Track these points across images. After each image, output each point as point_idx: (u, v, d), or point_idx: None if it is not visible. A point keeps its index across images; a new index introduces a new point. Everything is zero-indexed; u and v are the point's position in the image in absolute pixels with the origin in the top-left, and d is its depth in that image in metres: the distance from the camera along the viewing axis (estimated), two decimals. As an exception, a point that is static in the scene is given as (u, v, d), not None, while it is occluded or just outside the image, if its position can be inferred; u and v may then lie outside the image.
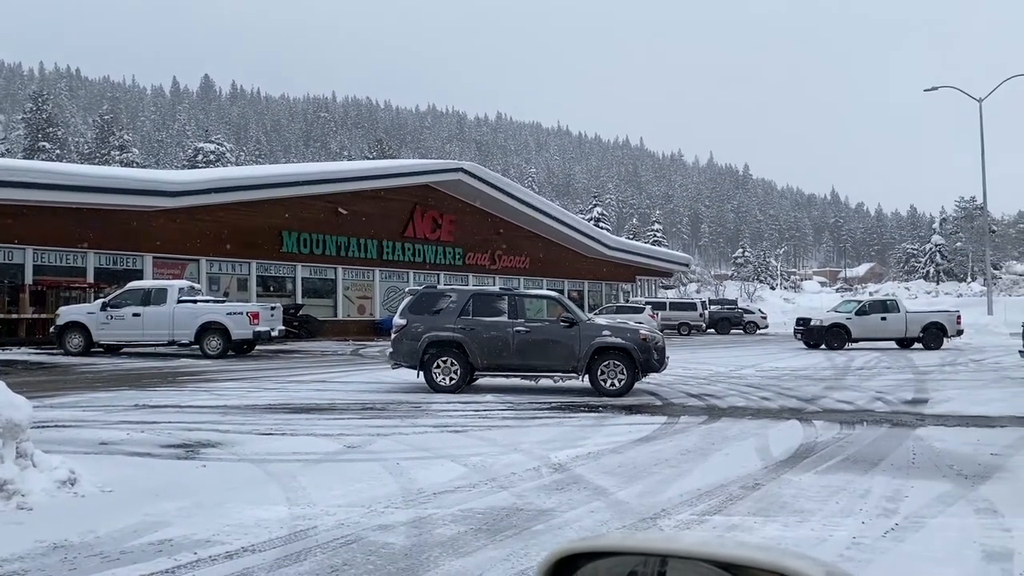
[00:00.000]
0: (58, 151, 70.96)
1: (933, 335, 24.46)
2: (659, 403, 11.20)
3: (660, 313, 34.47)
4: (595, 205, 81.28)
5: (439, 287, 14.76)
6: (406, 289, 16.26)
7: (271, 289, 28.91)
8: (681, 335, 35.54)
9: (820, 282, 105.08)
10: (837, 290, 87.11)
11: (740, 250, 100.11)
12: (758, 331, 39.70)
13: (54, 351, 19.60)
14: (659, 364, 12.08)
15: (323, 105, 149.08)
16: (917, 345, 24.61)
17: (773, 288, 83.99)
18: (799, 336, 25.58)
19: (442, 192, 34.58)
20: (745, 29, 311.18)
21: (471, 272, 35.77)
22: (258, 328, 19.23)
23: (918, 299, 56.70)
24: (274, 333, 20.07)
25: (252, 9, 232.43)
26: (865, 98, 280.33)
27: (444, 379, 12.09)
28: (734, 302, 48.16)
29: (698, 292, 68.01)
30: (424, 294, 12.90)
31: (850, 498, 5.70)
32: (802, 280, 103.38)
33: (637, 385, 12.19)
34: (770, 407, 10.77)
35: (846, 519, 5.14)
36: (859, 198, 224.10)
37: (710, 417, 9.77)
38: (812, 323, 25.18)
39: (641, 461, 7.01)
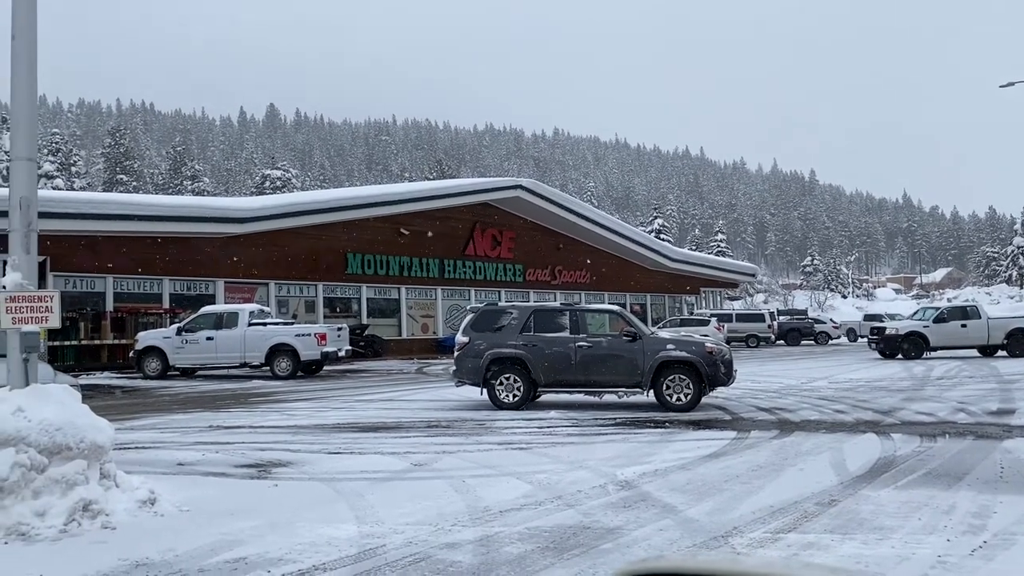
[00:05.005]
0: (135, 183, 74.07)
1: (1019, 342, 23.35)
2: (728, 418, 10.97)
3: (727, 325, 33.84)
4: (656, 217, 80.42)
5: (500, 304, 14.81)
6: (468, 307, 16.35)
7: (337, 310, 29.47)
8: (749, 347, 34.82)
9: (894, 289, 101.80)
10: (913, 297, 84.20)
11: (808, 258, 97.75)
12: (830, 342, 38.61)
13: (133, 375, 20.35)
14: (727, 378, 11.82)
15: (384, 129, 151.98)
16: (1001, 353, 23.57)
17: (845, 296, 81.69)
18: (874, 346, 24.76)
19: (501, 209, 34.78)
20: (804, 31, 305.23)
21: (532, 288, 35.80)
22: (326, 349, 19.61)
23: (1001, 304, 54.29)
24: (341, 353, 20.44)
25: (312, 39, 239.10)
26: (935, 97, 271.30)
27: (507, 396, 12.10)
28: (804, 312, 46.99)
29: (766, 303, 66.60)
30: (485, 311, 12.95)
31: (933, 514, 5.48)
32: (875, 287, 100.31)
33: (704, 400, 11.96)
34: (845, 420, 10.45)
35: (930, 536, 4.94)
36: (933, 201, 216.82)
37: (782, 431, 9.53)
38: (887, 332, 24.36)
39: (710, 478, 6.87)
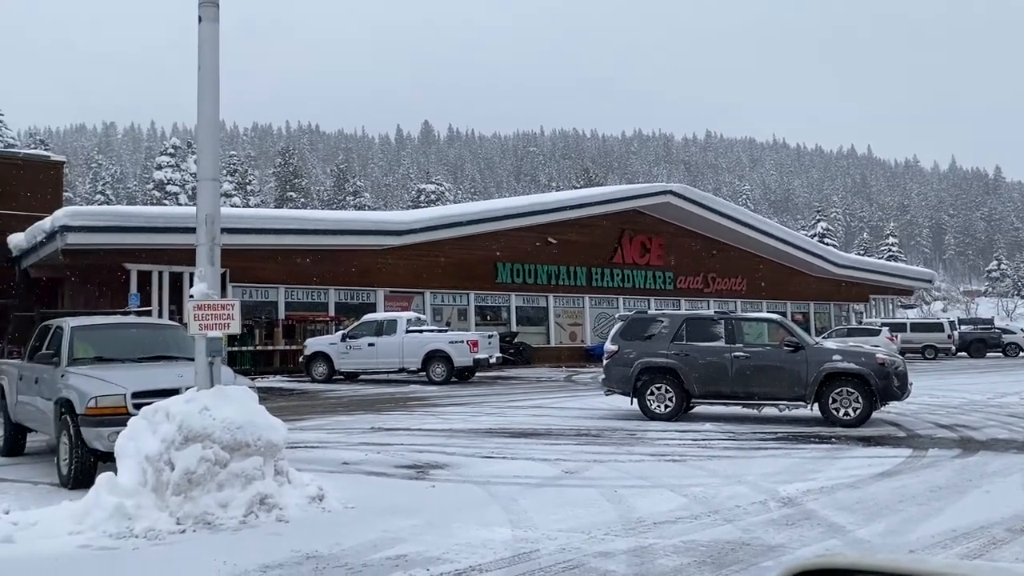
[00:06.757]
0: (302, 199, 79.28)
1: None
2: (902, 434, 10.25)
3: (900, 335, 31.59)
4: (818, 220, 76.38)
5: (650, 312, 14.56)
6: (616, 315, 16.18)
7: (488, 318, 30.10)
8: (926, 359, 32.30)
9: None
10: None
11: (994, 263, 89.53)
12: (1021, 353, 35.10)
13: (302, 379, 21.71)
14: (900, 391, 11.05)
15: (532, 140, 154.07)
16: None
17: (1037, 304, 73.97)
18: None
19: (650, 216, 34.26)
20: (978, 14, 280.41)
21: (683, 296, 34.95)
22: (477, 355, 20.08)
23: None
24: (492, 360, 20.86)
25: (462, 56, 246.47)
26: None
27: (659, 406, 11.87)
28: (990, 321, 43.05)
29: (944, 311, 61.59)
30: (635, 319, 12.78)
31: None
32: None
33: (875, 415, 11.22)
34: (1039, 440, 9.46)
35: None
36: None
37: (965, 451, 8.77)
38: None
39: (883, 497, 6.44)
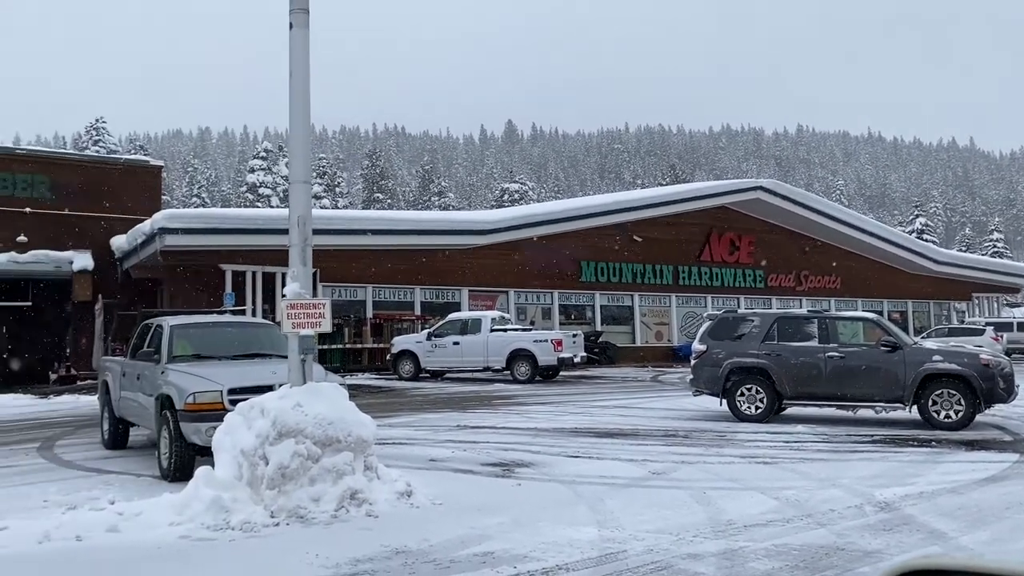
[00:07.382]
0: (389, 200, 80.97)
1: None
2: (1008, 438, 9.71)
3: (1006, 335, 29.89)
4: (917, 216, 73.07)
5: (739, 311, 14.22)
6: (704, 314, 15.87)
7: (572, 317, 29.99)
8: (1034, 360, 30.47)
9: None
10: None
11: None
12: None
13: (390, 376, 22.16)
14: (1006, 393, 10.49)
15: (616, 137, 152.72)
16: None
17: None
18: None
19: (739, 212, 33.44)
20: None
21: (774, 295, 33.97)
22: (562, 355, 20.04)
23: None
24: (576, 359, 20.78)
25: (546, 54, 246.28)
26: None
27: (749, 407, 11.59)
28: (1105, 320, 40.10)
29: (1055, 309, 57.85)
30: (724, 318, 12.52)
31: None
32: None
33: (979, 418, 10.67)
34: None
35: None
36: None
37: (1081, 457, 8.21)
38: None
39: (987, 504, 6.12)
